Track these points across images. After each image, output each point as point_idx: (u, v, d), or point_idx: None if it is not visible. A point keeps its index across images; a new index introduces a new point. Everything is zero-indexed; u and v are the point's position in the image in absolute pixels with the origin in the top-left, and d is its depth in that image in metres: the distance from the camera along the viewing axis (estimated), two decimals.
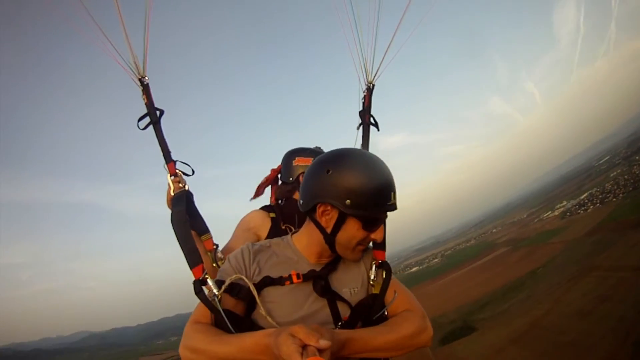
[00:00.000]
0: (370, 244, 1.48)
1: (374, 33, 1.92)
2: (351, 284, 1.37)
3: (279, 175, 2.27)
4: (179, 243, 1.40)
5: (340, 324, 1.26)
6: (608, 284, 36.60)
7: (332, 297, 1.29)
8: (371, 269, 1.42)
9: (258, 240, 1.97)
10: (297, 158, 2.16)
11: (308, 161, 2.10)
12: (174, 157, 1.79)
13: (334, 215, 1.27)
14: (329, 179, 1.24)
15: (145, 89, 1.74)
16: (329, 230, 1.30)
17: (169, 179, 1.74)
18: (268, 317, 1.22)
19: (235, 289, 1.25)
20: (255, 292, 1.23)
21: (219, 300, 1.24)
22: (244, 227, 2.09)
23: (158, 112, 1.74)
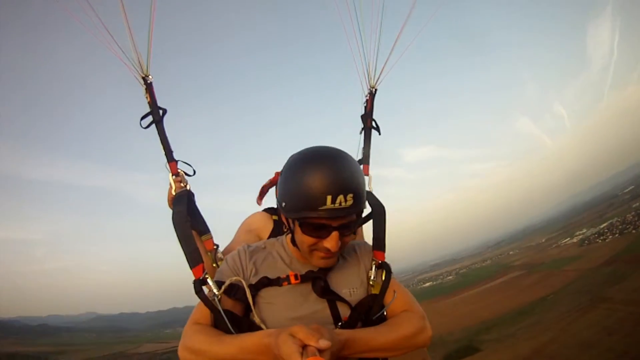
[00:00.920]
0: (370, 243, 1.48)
1: (376, 38, 1.91)
2: (350, 284, 1.33)
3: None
4: (180, 242, 1.40)
5: (340, 324, 1.24)
6: (616, 317, 35.89)
7: (332, 297, 1.26)
8: (371, 269, 1.38)
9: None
10: None
11: None
12: (176, 156, 1.76)
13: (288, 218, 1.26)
14: (280, 181, 1.24)
15: (149, 88, 1.73)
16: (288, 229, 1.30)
17: (171, 178, 1.72)
18: (262, 325, 1.20)
19: (233, 290, 1.24)
20: (250, 299, 1.22)
21: (219, 301, 1.22)
22: (245, 228, 2.10)
23: (161, 111, 1.73)
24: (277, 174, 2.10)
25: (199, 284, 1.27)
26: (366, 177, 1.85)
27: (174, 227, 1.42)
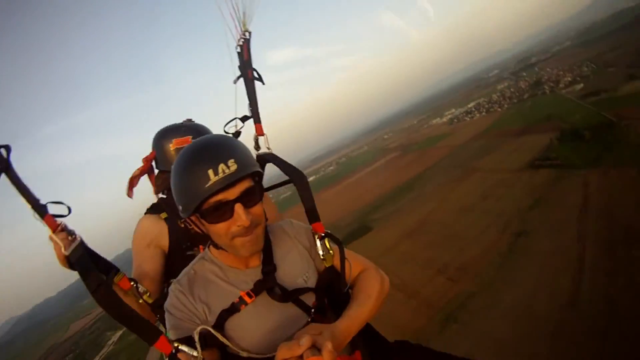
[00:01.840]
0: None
1: None
2: (300, 270, 1.30)
3: (154, 164, 2.00)
4: (123, 323, 1.17)
5: (312, 311, 1.25)
6: (488, 184, 41.54)
7: (294, 298, 1.23)
8: (315, 245, 1.34)
9: (163, 253, 1.79)
10: (173, 140, 1.89)
11: (187, 140, 1.86)
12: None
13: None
14: (172, 192, 1.17)
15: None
16: (204, 233, 1.20)
17: (55, 237, 1.36)
18: (246, 353, 1.18)
19: (201, 340, 1.14)
20: (225, 340, 1.16)
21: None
22: (142, 243, 1.81)
23: (5, 150, 1.34)
24: (145, 160, 1.99)
25: (174, 357, 1.16)
26: (261, 138, 1.77)
27: (103, 307, 1.17)
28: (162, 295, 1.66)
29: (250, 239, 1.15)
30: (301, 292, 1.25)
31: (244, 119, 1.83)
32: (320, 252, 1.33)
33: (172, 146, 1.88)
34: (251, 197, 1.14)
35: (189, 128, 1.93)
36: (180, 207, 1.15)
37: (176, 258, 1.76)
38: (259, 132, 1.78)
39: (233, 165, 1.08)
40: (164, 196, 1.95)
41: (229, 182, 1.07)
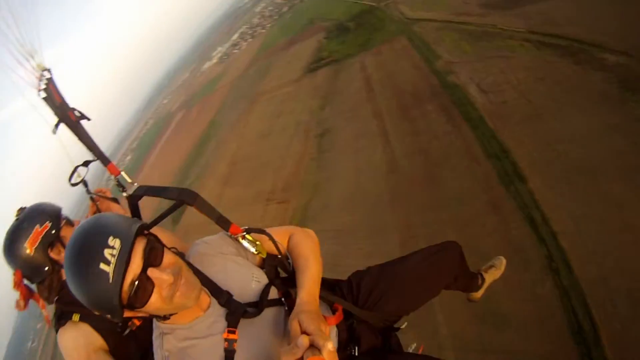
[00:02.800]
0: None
1: None
2: (247, 277, 1.28)
3: (24, 281, 1.78)
4: None
5: (283, 300, 1.27)
6: (276, 102, 41.39)
7: (263, 307, 1.22)
8: (241, 246, 1.31)
9: (107, 352, 1.60)
10: (26, 243, 1.66)
11: (40, 234, 1.67)
12: None
13: None
14: (81, 301, 0.99)
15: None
16: (149, 316, 1.11)
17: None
18: None
19: None
20: None
21: None
22: (81, 358, 1.62)
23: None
24: (16, 283, 1.72)
25: None
26: (120, 177, 1.62)
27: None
28: None
29: (185, 287, 1.05)
30: (265, 293, 1.24)
31: (86, 163, 1.66)
32: (251, 249, 1.32)
33: (29, 252, 1.67)
34: (155, 253, 1.03)
35: (29, 217, 1.72)
36: (107, 316, 1.01)
37: (121, 346, 1.58)
38: (114, 171, 1.61)
39: (115, 241, 0.94)
40: (57, 297, 1.74)
41: (125, 260, 0.94)
